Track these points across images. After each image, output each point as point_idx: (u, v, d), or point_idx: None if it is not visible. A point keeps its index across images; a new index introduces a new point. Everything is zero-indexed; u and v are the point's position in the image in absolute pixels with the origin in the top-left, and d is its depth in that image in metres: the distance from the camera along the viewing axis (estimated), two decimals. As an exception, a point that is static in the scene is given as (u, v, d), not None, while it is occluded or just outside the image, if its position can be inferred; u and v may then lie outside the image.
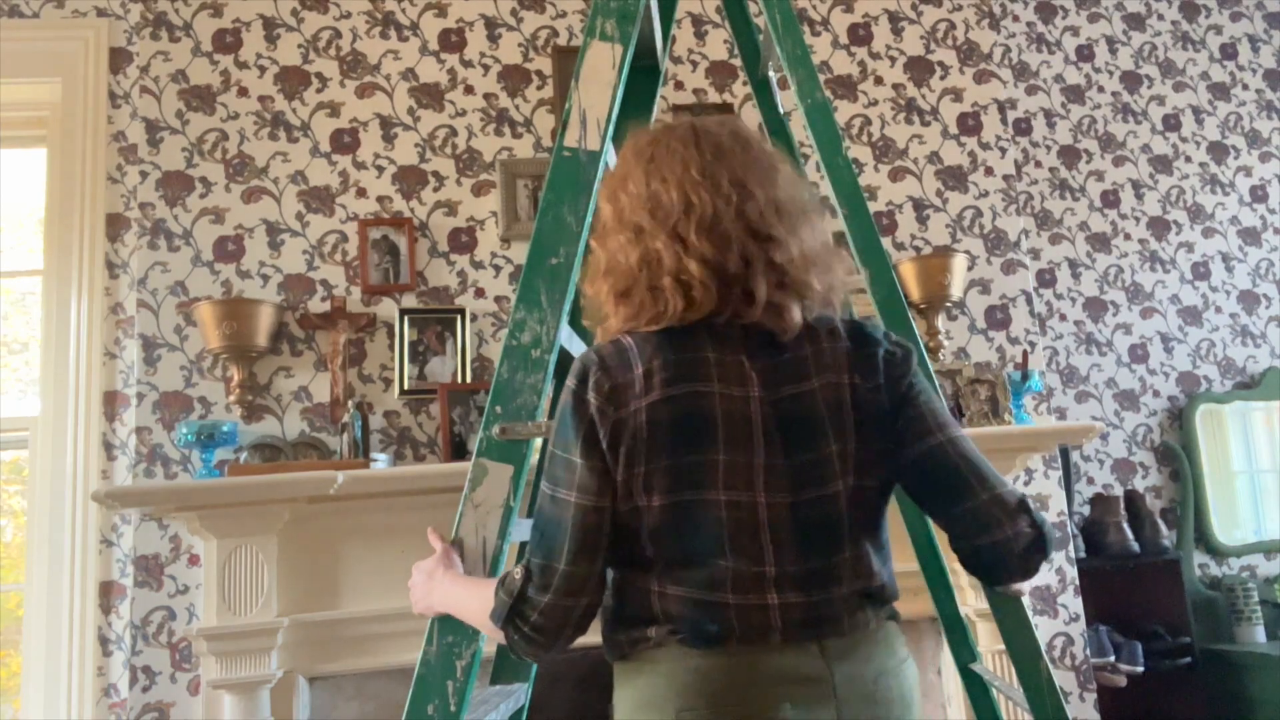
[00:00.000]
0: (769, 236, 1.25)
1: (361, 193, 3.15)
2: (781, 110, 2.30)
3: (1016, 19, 4.10)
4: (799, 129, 2.90)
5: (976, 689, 2.08)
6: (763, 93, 2.30)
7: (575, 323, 1.80)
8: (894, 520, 2.47)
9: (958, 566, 2.90)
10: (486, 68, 3.29)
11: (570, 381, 1.25)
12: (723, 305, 1.24)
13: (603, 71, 1.60)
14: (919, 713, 1.28)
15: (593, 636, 1.30)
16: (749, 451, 1.21)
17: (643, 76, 1.97)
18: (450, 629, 1.42)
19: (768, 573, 1.20)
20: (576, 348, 1.73)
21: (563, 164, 1.57)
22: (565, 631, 1.23)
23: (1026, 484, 3.24)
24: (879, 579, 1.26)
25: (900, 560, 3.01)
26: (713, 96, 3.37)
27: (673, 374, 1.21)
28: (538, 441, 1.55)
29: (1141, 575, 3.56)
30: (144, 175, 3.07)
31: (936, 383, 1.33)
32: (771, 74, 2.30)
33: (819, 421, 1.23)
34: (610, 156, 1.63)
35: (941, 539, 2.36)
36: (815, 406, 1.23)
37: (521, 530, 1.58)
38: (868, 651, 1.23)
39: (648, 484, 1.20)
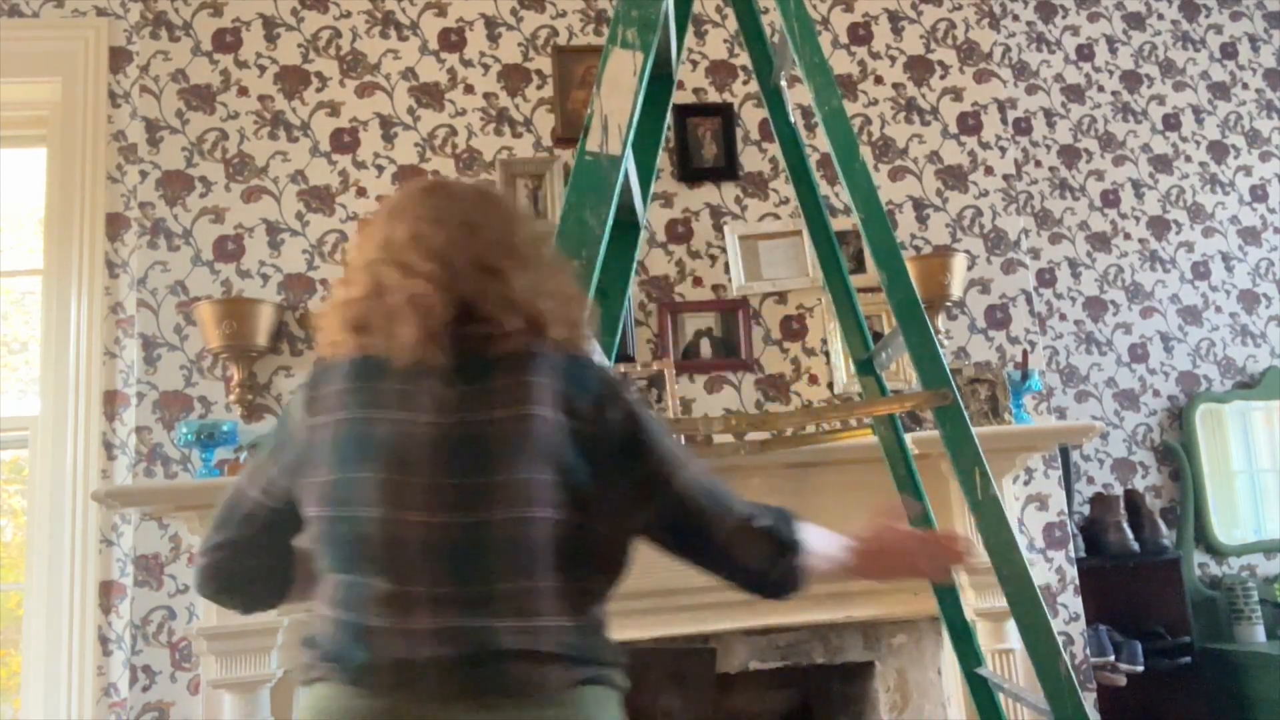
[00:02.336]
0: (495, 269, 1.29)
1: (361, 192, 3.14)
2: (792, 119, 2.31)
3: (1016, 18, 4.10)
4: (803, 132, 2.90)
5: (981, 693, 2.09)
6: (774, 101, 2.31)
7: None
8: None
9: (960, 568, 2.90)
10: (486, 67, 3.29)
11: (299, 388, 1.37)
12: (438, 332, 1.25)
13: (624, 78, 1.61)
14: None
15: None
16: (401, 473, 1.20)
17: (656, 84, 1.97)
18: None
19: (414, 592, 1.17)
20: (595, 350, 1.74)
21: (585, 168, 1.58)
22: (210, 585, 1.38)
23: (1027, 483, 3.25)
24: (549, 620, 1.19)
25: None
26: (713, 96, 3.37)
27: (352, 397, 1.25)
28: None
29: (1141, 575, 3.56)
30: (144, 175, 3.07)
31: (656, 424, 1.32)
32: (783, 82, 2.30)
33: (487, 449, 1.21)
34: (630, 162, 1.64)
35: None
36: (488, 435, 1.21)
37: None
38: (538, 714, 1.17)
39: (309, 495, 1.25)
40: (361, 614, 1.18)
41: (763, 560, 1.30)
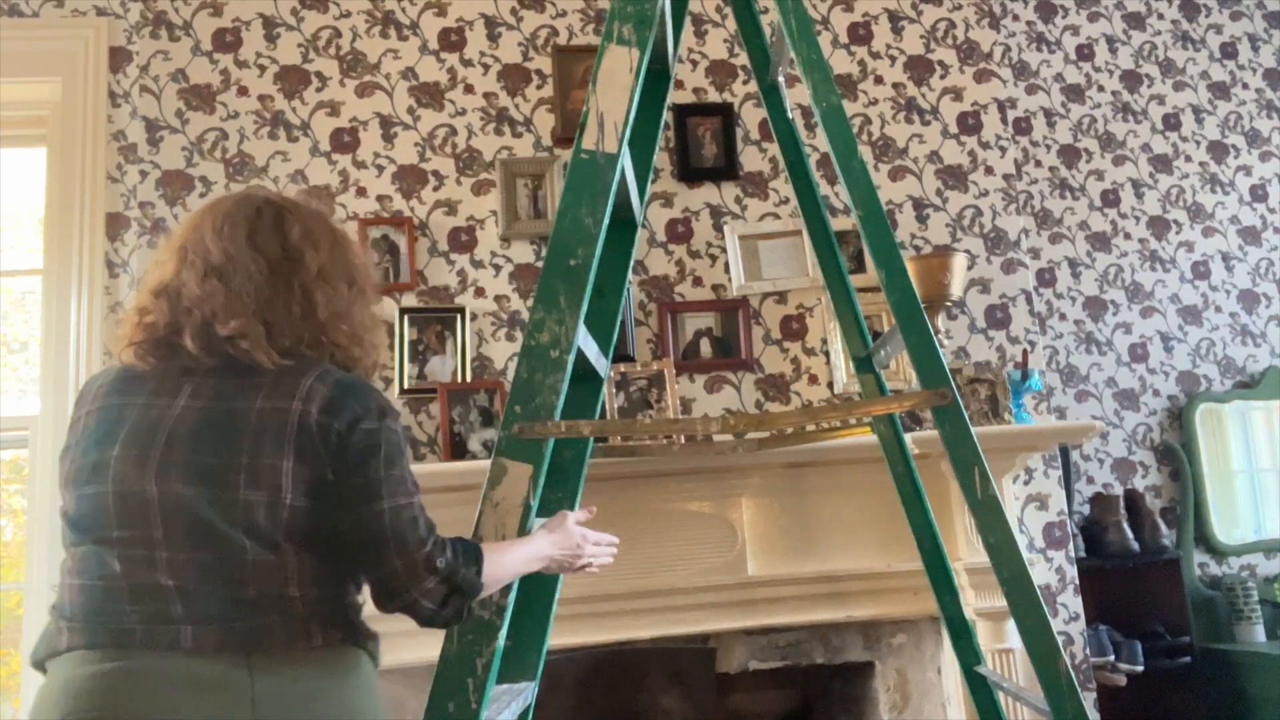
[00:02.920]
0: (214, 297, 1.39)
1: (361, 192, 3.14)
2: (790, 116, 2.31)
3: (1016, 18, 4.10)
4: (803, 131, 2.90)
5: (981, 692, 2.09)
6: (772, 98, 2.30)
7: (591, 323, 1.80)
8: (897, 519, 2.48)
9: (961, 567, 2.91)
10: (486, 67, 3.28)
11: None
12: (177, 336, 1.39)
13: (620, 75, 1.61)
14: None
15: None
16: (147, 448, 1.30)
17: (652, 80, 1.97)
18: (470, 627, 1.43)
19: (158, 556, 1.26)
20: (592, 348, 1.74)
21: (580, 166, 1.57)
22: None
23: (1026, 483, 3.24)
24: (296, 591, 1.30)
25: (904, 559, 3.02)
26: (712, 96, 3.37)
27: (110, 389, 1.39)
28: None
29: (1141, 574, 3.56)
30: (144, 174, 3.07)
31: (399, 455, 1.40)
32: (780, 79, 2.30)
33: (243, 433, 1.31)
34: (626, 159, 1.64)
35: (947, 540, 2.37)
36: (246, 420, 1.32)
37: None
38: (299, 670, 1.27)
39: (62, 479, 1.35)
40: (106, 578, 1.26)
41: (433, 601, 1.35)
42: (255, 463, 1.29)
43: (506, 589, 1.46)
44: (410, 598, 1.34)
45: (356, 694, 1.32)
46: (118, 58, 3.36)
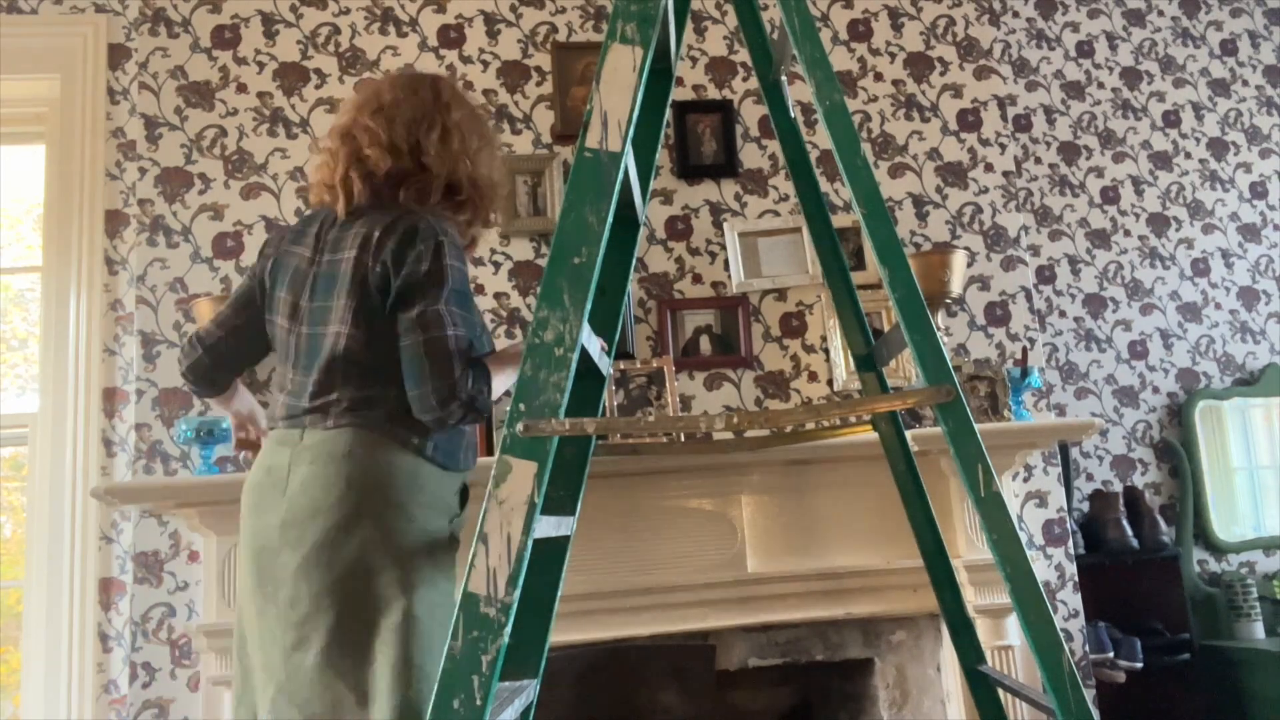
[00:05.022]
0: (370, 147, 1.93)
1: (361, 189, 3.14)
2: (792, 114, 2.30)
3: (1016, 15, 4.10)
4: (807, 130, 2.89)
5: (982, 691, 2.08)
6: (774, 95, 2.30)
7: (593, 322, 1.80)
8: (897, 515, 2.47)
9: (961, 565, 2.90)
10: (486, 64, 3.28)
11: None
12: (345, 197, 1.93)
13: (623, 74, 1.60)
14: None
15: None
16: (296, 295, 1.91)
17: (655, 79, 1.97)
18: (476, 623, 1.43)
19: (291, 376, 1.88)
20: (595, 346, 1.74)
21: (584, 165, 1.57)
22: (199, 372, 2.05)
23: (1026, 480, 3.25)
24: (334, 395, 1.82)
25: (904, 556, 3.02)
26: (712, 93, 3.37)
27: (289, 239, 1.98)
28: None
29: (1140, 571, 3.56)
30: (143, 171, 3.06)
31: (452, 278, 1.83)
32: (783, 77, 2.29)
33: (338, 279, 1.85)
34: (630, 159, 1.63)
35: (947, 537, 2.36)
36: (340, 269, 1.85)
37: (544, 526, 1.58)
38: (331, 436, 1.81)
39: (268, 308, 1.98)
40: (281, 393, 1.91)
41: (453, 420, 1.82)
42: (342, 304, 1.83)
43: (512, 588, 1.46)
44: (435, 415, 1.76)
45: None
46: (116, 54, 3.36)
